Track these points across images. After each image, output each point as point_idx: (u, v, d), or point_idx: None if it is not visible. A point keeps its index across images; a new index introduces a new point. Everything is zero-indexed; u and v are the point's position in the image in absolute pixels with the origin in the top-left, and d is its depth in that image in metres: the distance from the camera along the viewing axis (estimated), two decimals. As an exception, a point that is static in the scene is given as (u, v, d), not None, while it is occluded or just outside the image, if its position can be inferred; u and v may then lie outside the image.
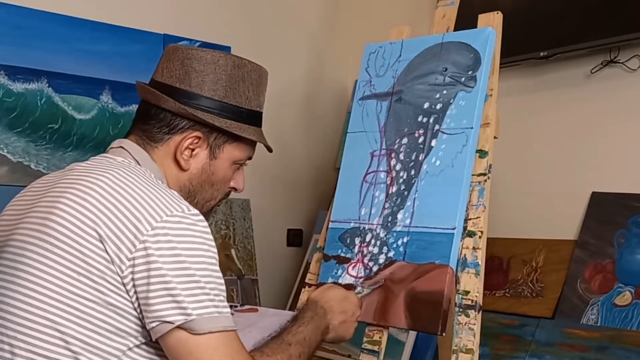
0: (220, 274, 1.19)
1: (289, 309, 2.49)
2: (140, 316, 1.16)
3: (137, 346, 1.17)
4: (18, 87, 2.20)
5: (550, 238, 2.28)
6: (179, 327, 1.13)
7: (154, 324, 1.14)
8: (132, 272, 1.13)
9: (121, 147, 1.32)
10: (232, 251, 2.59)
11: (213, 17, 2.66)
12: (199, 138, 1.32)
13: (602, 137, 2.22)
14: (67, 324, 1.13)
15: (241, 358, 1.17)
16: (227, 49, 2.62)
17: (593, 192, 2.22)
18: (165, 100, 1.31)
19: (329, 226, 1.77)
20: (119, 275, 1.13)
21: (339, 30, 3.04)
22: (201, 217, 1.19)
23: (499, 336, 2.19)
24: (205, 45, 2.54)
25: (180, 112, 1.31)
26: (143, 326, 1.17)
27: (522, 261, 2.31)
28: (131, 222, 1.14)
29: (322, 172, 2.94)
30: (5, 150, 2.17)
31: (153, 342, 1.18)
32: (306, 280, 1.81)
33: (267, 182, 2.79)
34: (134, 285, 1.14)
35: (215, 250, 1.19)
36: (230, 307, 1.62)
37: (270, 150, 1.46)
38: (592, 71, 2.22)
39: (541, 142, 2.37)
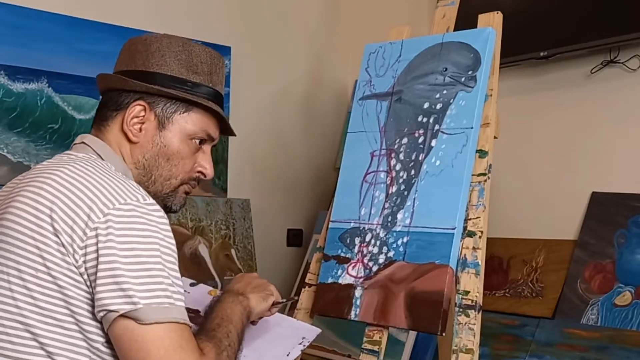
0: (175, 267, 1.15)
1: (289, 309, 2.49)
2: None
3: (102, 344, 1.14)
4: (18, 87, 2.20)
5: (550, 238, 2.28)
6: (125, 316, 1.09)
7: (101, 314, 1.10)
8: (85, 262, 1.11)
9: (83, 142, 1.31)
10: (232, 251, 2.59)
11: (213, 17, 2.66)
12: (143, 107, 1.30)
13: (602, 137, 2.22)
14: (36, 324, 1.11)
15: (190, 347, 1.12)
16: (227, 49, 2.62)
17: (593, 192, 2.22)
18: (106, 77, 1.32)
19: (329, 226, 1.77)
20: (75, 267, 1.11)
21: (339, 30, 3.04)
22: (157, 208, 1.17)
23: (499, 336, 2.19)
24: (205, 45, 2.54)
25: (120, 85, 1.30)
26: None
27: (522, 261, 2.31)
28: (83, 211, 1.12)
29: (322, 172, 2.94)
30: (5, 150, 2.17)
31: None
32: (306, 280, 1.81)
33: (267, 182, 2.79)
34: (88, 275, 1.11)
35: (172, 241, 1.16)
36: (191, 285, 1.60)
37: (231, 131, 1.43)
38: (592, 71, 2.22)
39: (541, 142, 2.37)
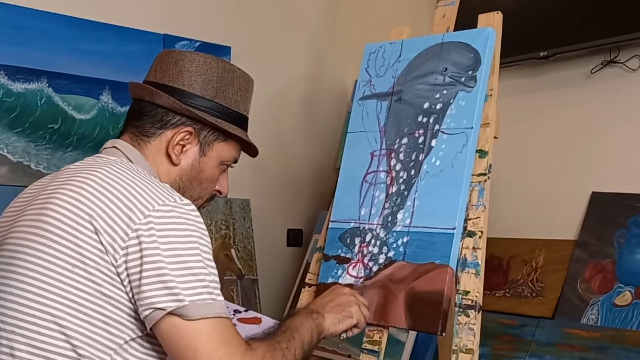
0: (213, 264, 1.19)
1: (289, 309, 2.49)
2: (135, 307, 1.16)
3: (132, 339, 1.18)
4: (18, 87, 2.20)
5: (550, 238, 2.28)
6: (171, 313, 1.13)
7: (147, 312, 1.14)
8: (126, 262, 1.14)
9: (114, 147, 1.34)
10: (232, 251, 2.59)
11: (213, 17, 2.66)
12: (190, 133, 1.35)
13: (602, 137, 2.22)
14: (65, 317, 1.14)
15: (235, 342, 1.16)
16: (227, 49, 2.62)
17: (593, 192, 2.22)
18: (160, 95, 1.33)
19: (329, 226, 1.77)
20: (113, 266, 1.14)
21: (339, 30, 3.04)
22: (193, 207, 1.21)
23: (499, 336, 2.19)
24: (205, 45, 2.54)
25: (173, 107, 1.33)
26: (138, 318, 1.17)
27: (522, 261, 2.31)
28: (124, 212, 1.16)
29: (322, 172, 2.94)
30: (5, 150, 2.17)
31: (148, 335, 1.19)
32: (306, 280, 1.81)
33: (267, 182, 2.79)
34: (127, 275, 1.14)
35: (208, 240, 1.20)
36: (235, 312, 1.63)
37: (256, 153, 1.49)
38: (592, 71, 2.22)
39: (541, 142, 2.37)
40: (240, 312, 1.65)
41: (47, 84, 2.25)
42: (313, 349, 1.42)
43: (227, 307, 1.59)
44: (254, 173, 2.75)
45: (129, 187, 1.19)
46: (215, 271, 1.19)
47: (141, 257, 1.14)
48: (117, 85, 2.36)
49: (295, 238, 2.90)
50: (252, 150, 1.49)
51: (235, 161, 1.46)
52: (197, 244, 1.17)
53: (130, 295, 1.15)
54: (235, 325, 1.56)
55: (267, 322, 1.59)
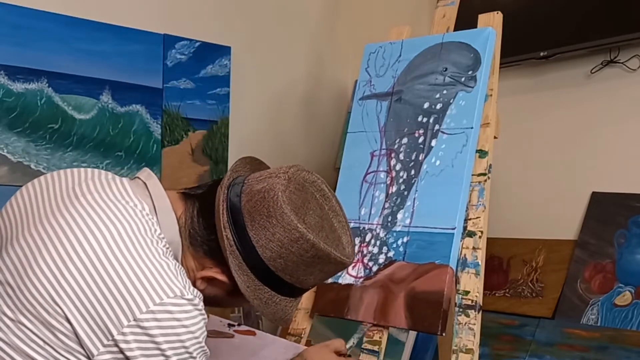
0: (206, 348, 1.10)
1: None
2: None
3: None
4: (18, 87, 2.20)
5: (550, 238, 2.28)
6: None
7: None
8: (120, 350, 1.02)
9: (145, 183, 1.17)
10: (232, 251, 2.58)
11: (213, 17, 2.66)
12: (223, 273, 1.16)
13: (602, 137, 2.22)
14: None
15: None
16: (227, 49, 2.62)
17: (593, 192, 2.22)
18: (230, 249, 1.14)
19: (329, 226, 1.77)
20: (87, 357, 1.02)
21: (339, 30, 3.04)
22: (195, 302, 1.07)
23: (499, 336, 2.19)
24: (205, 45, 2.54)
25: (236, 279, 1.14)
26: None
27: (522, 261, 2.31)
28: (112, 308, 1.02)
29: (322, 172, 2.92)
30: (5, 150, 2.17)
31: None
32: (306, 280, 1.81)
33: (267, 182, 2.78)
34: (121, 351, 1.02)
35: (202, 333, 1.08)
36: (229, 326, 1.62)
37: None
38: (592, 71, 2.22)
39: (541, 142, 2.37)
40: (234, 325, 1.64)
41: (47, 84, 2.25)
42: None
43: (221, 322, 1.60)
44: (254, 173, 2.75)
45: (125, 271, 1.03)
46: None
47: (151, 343, 1.03)
48: (117, 85, 2.36)
49: (295, 238, 2.89)
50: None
51: None
52: (186, 341, 1.05)
53: None
54: (232, 335, 1.56)
55: (261, 335, 1.60)
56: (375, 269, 1.65)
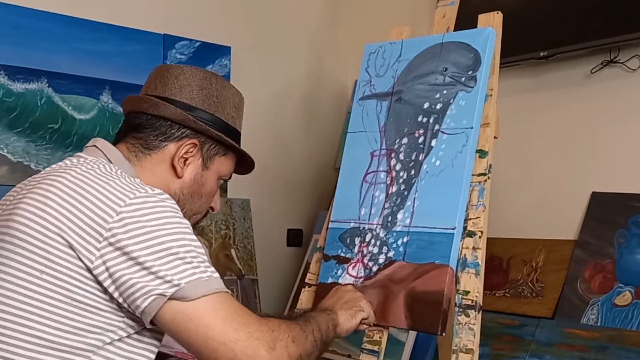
0: (198, 242, 1.18)
1: (289, 309, 2.49)
2: (120, 307, 1.14)
3: (108, 344, 1.15)
4: (18, 87, 2.20)
5: (550, 238, 2.28)
6: (171, 299, 1.11)
7: (145, 303, 1.11)
8: (104, 262, 1.11)
9: (95, 145, 1.32)
10: (232, 251, 2.59)
11: (213, 17, 2.66)
12: (195, 146, 1.35)
13: (602, 137, 2.22)
14: (35, 325, 1.12)
15: (246, 312, 1.16)
16: (227, 49, 2.62)
17: (593, 192, 2.22)
18: (166, 107, 1.33)
19: (329, 226, 1.77)
20: (88, 270, 1.12)
21: (339, 30, 3.04)
22: (167, 196, 1.19)
23: (499, 336, 2.19)
24: (205, 45, 2.54)
25: (179, 118, 1.33)
26: (112, 323, 1.15)
27: (522, 261, 2.31)
28: (95, 213, 1.13)
29: (322, 172, 2.94)
30: (5, 150, 2.17)
31: (126, 338, 1.17)
32: (306, 280, 1.81)
33: (267, 182, 2.78)
34: (109, 275, 1.12)
35: (186, 221, 1.19)
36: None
37: (247, 171, 1.51)
38: (592, 71, 2.22)
39: (541, 142, 2.37)
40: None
41: (47, 84, 2.25)
42: (328, 344, 1.41)
43: None
44: (254, 173, 2.73)
45: (97, 186, 1.16)
46: (202, 249, 1.18)
47: (122, 254, 1.11)
48: (117, 85, 2.37)
49: (295, 238, 2.90)
50: (246, 168, 1.49)
51: (230, 176, 1.47)
52: (177, 227, 1.15)
53: (117, 295, 1.12)
54: None
55: None
56: (375, 269, 1.65)
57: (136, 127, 1.35)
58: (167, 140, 1.34)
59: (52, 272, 1.12)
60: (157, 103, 1.33)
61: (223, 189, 2.64)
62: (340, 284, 1.65)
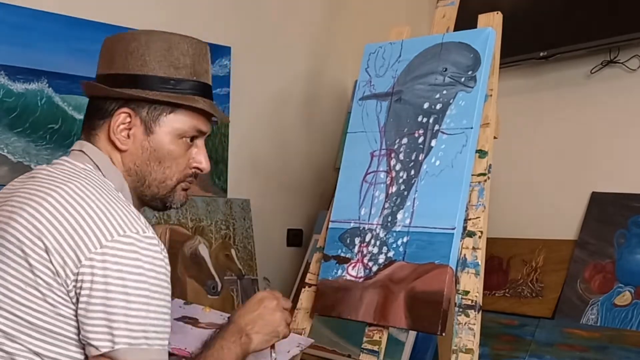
0: (164, 307, 1.15)
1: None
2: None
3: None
4: (18, 87, 2.20)
5: (550, 238, 2.28)
6: (104, 355, 1.11)
7: (84, 342, 1.12)
8: (76, 287, 1.11)
9: (82, 151, 1.30)
10: (232, 251, 2.59)
11: (213, 17, 2.66)
12: (128, 114, 1.28)
13: (602, 137, 2.22)
14: (20, 336, 1.12)
15: None
16: (227, 49, 2.62)
17: (593, 192, 2.22)
18: (91, 86, 1.30)
19: (329, 226, 1.78)
20: (65, 289, 1.12)
21: (339, 30, 3.04)
22: (155, 242, 1.16)
23: (499, 336, 2.19)
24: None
25: (103, 93, 1.28)
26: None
27: (522, 261, 2.31)
28: (80, 236, 1.12)
29: (322, 172, 2.94)
30: (5, 150, 2.17)
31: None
32: (306, 280, 1.81)
33: (267, 182, 2.78)
34: (77, 300, 1.12)
35: (164, 277, 1.15)
36: (185, 305, 1.63)
37: (223, 117, 1.40)
38: (592, 71, 2.22)
39: (541, 142, 2.37)
40: (188, 304, 1.69)
41: (47, 84, 2.25)
42: None
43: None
44: (254, 173, 2.75)
45: (90, 210, 1.14)
46: (165, 316, 1.16)
47: (90, 289, 1.11)
48: (117, 85, 2.36)
49: (295, 238, 2.89)
50: (216, 115, 1.36)
51: (201, 132, 1.34)
52: (147, 284, 1.12)
53: (78, 312, 1.13)
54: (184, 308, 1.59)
55: (213, 313, 1.64)
56: (375, 269, 1.65)
57: (87, 114, 1.33)
58: (104, 118, 1.29)
59: (35, 286, 1.12)
60: (86, 85, 1.30)
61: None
62: (340, 284, 1.65)
